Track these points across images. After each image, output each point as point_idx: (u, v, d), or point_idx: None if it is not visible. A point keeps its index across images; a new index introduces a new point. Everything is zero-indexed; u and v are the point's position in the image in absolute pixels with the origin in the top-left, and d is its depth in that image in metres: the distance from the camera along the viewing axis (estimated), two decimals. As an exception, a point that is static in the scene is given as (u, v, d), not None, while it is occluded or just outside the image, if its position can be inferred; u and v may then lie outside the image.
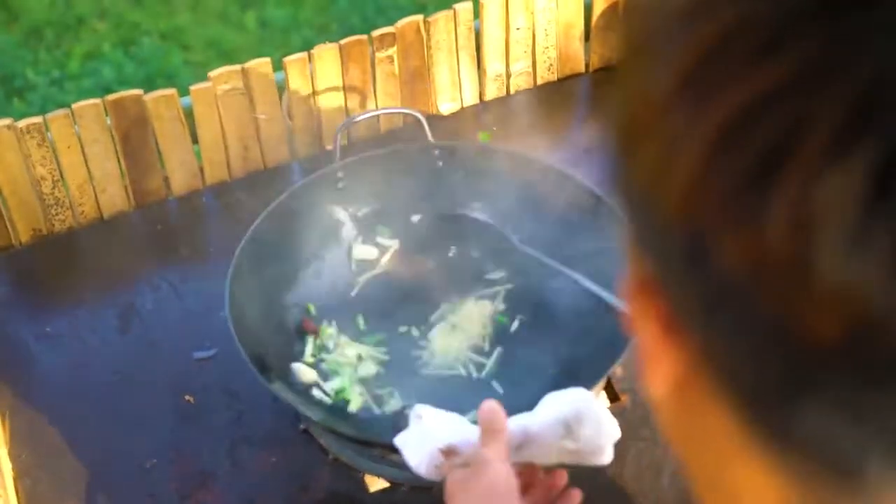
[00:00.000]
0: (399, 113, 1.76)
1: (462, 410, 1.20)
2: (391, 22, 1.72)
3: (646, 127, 0.43)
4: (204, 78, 1.66)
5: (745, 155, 0.39)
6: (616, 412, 1.42)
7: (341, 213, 1.58)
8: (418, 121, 1.57)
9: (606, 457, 1.15)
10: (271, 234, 1.49)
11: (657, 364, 0.48)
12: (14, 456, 1.42)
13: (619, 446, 1.27)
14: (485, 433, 1.07)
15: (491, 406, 1.07)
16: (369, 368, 1.47)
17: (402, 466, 1.13)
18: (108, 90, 1.64)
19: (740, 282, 0.40)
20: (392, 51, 1.71)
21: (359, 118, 1.61)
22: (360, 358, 1.48)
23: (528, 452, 1.12)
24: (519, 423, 1.10)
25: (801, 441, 0.43)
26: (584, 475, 1.16)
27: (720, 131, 0.40)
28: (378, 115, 1.76)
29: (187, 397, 1.49)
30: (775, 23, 0.40)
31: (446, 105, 1.81)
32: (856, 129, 0.37)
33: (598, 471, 1.36)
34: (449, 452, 1.09)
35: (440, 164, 1.59)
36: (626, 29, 0.47)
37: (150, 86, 1.64)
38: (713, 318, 0.43)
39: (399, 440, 1.13)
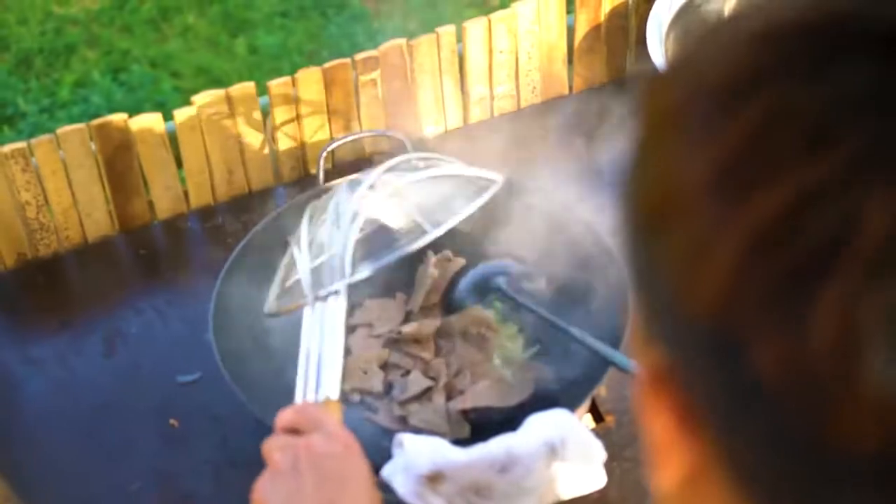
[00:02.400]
0: (383, 135, 1.76)
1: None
2: (377, 47, 1.73)
3: (676, 213, 0.41)
4: (190, 103, 1.66)
5: (787, 257, 0.37)
6: (601, 433, 1.42)
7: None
8: (402, 143, 1.58)
9: (600, 480, 1.15)
10: (255, 257, 1.49)
11: (667, 455, 0.45)
12: (-3, 481, 1.42)
13: (605, 464, 1.28)
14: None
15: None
16: None
17: (386, 489, 1.13)
18: (98, 117, 1.64)
19: (773, 386, 0.38)
20: (375, 74, 1.72)
21: (342, 141, 1.62)
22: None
23: (515, 475, 1.11)
24: (502, 444, 1.10)
25: None
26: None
27: (761, 229, 0.38)
28: (362, 138, 1.77)
29: (172, 421, 1.49)
30: (822, 111, 0.37)
31: (430, 128, 1.82)
32: None
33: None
34: (434, 478, 1.09)
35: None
36: (656, 97, 0.44)
37: (140, 113, 1.65)
38: (737, 418, 0.41)
39: (386, 472, 1.13)
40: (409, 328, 1.48)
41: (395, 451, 1.13)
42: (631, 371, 1.24)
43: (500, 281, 1.48)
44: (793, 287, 0.37)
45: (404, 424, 1.41)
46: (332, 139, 1.62)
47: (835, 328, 0.36)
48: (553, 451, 1.12)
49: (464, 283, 1.51)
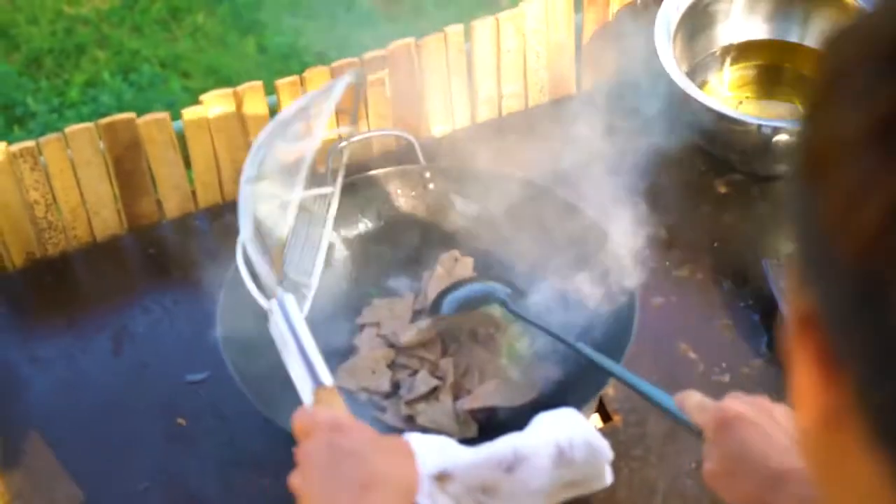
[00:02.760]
0: (391, 135, 1.76)
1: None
2: (385, 46, 1.73)
3: (838, 162, 0.43)
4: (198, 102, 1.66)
5: None
6: (608, 432, 1.42)
7: (333, 236, 1.59)
8: (410, 143, 1.58)
9: (606, 479, 1.15)
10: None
11: (806, 397, 0.47)
12: (6, 479, 1.42)
13: (612, 464, 1.27)
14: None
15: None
16: None
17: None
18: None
19: None
20: (383, 73, 1.72)
21: (350, 140, 1.62)
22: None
23: (522, 475, 1.11)
24: (510, 443, 1.10)
25: None
26: (576, 497, 1.16)
27: None
28: (370, 139, 1.77)
29: (179, 420, 1.49)
30: None
31: (438, 127, 1.82)
32: None
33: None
34: (442, 478, 1.08)
35: (431, 186, 1.60)
36: (824, 62, 0.46)
37: (149, 113, 1.65)
38: (876, 365, 0.42)
39: None
40: (407, 337, 1.48)
41: None
42: (630, 382, 1.25)
43: (501, 295, 1.47)
44: None
45: (412, 424, 1.41)
46: (340, 139, 1.62)
47: None
48: (560, 450, 1.12)
49: (449, 302, 1.50)
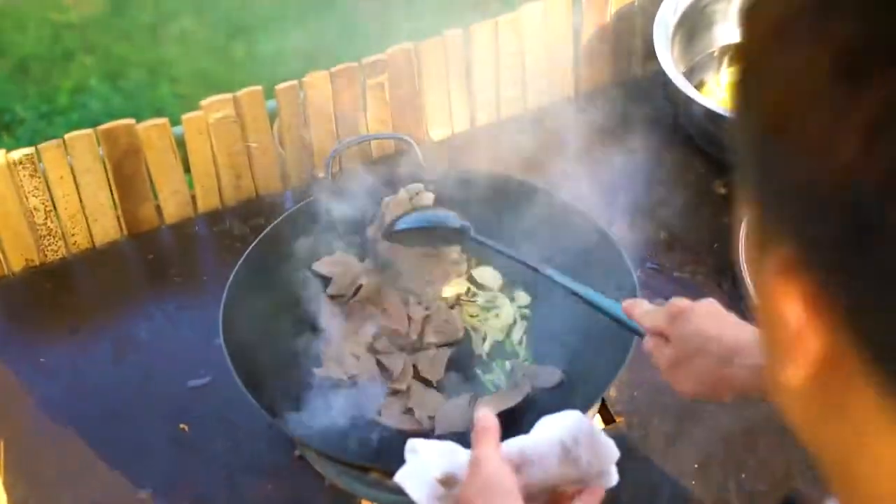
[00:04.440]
0: (390, 138, 1.76)
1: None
2: (380, 51, 1.73)
3: (801, 109, 0.44)
4: (191, 109, 1.66)
5: None
6: (612, 434, 1.42)
7: (333, 238, 1.59)
8: (410, 146, 1.58)
9: (612, 478, 1.15)
10: (265, 259, 1.49)
11: (795, 348, 0.47)
12: (9, 486, 1.42)
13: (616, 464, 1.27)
14: (476, 434, 1.07)
15: (481, 412, 1.08)
16: None
17: (399, 492, 1.13)
18: (97, 123, 1.64)
19: None
20: (383, 77, 1.72)
21: (349, 142, 1.61)
22: None
23: (527, 474, 1.11)
24: (515, 444, 1.10)
25: None
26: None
27: (885, 103, 0.41)
28: (370, 142, 1.77)
29: (182, 426, 1.48)
30: None
31: (437, 131, 1.82)
32: None
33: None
34: (447, 481, 1.09)
35: (429, 188, 1.59)
36: (758, 18, 0.47)
37: (138, 118, 1.64)
38: (870, 288, 0.43)
39: (399, 477, 1.12)
40: (363, 291, 1.52)
41: (408, 456, 1.13)
42: (581, 294, 1.28)
43: (458, 225, 1.49)
44: None
45: (412, 416, 1.42)
46: (337, 144, 1.62)
47: None
48: (566, 449, 1.12)
49: (405, 222, 1.50)
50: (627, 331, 1.20)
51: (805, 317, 0.46)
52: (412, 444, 1.13)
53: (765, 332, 0.50)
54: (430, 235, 1.52)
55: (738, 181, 0.50)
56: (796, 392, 0.50)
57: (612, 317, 1.23)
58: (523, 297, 1.58)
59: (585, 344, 1.46)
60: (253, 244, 1.49)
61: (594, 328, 1.46)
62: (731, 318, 1.09)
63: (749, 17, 0.48)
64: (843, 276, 0.44)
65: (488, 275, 1.59)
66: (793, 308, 0.47)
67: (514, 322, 1.56)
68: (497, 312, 1.56)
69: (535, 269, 1.40)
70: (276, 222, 1.52)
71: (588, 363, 1.45)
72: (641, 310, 1.17)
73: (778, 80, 0.45)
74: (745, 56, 0.48)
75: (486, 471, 1.04)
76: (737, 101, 0.49)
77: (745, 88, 0.48)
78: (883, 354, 0.44)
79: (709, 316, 1.09)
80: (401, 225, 1.49)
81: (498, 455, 1.06)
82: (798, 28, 0.44)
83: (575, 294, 1.32)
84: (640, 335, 1.16)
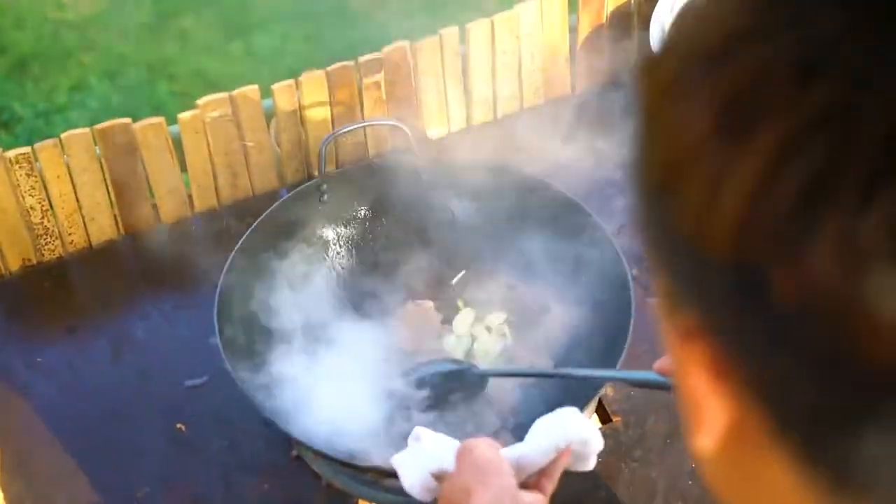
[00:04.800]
0: (385, 125, 1.73)
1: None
2: (377, 50, 1.73)
3: (686, 167, 0.43)
4: (190, 108, 1.66)
5: (788, 186, 0.39)
6: (608, 433, 1.42)
7: (327, 231, 1.59)
8: (406, 138, 1.56)
9: (589, 464, 1.16)
10: (257, 255, 1.49)
11: (705, 415, 0.47)
12: (5, 485, 1.42)
13: (611, 468, 1.28)
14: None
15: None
16: None
17: (396, 492, 1.13)
18: (95, 121, 1.63)
19: (794, 315, 0.40)
20: (379, 76, 1.72)
21: (345, 130, 1.60)
22: None
23: (519, 475, 1.12)
24: (512, 455, 1.11)
25: (861, 475, 0.42)
26: (579, 494, 1.16)
27: (766, 160, 0.40)
28: (366, 138, 1.76)
29: (179, 425, 1.48)
30: (805, 51, 0.40)
31: (434, 129, 1.82)
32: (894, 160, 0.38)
33: (593, 489, 1.36)
34: (441, 477, 1.09)
35: (424, 176, 1.59)
36: (651, 75, 0.47)
37: (136, 117, 1.64)
38: (768, 354, 0.42)
39: (395, 460, 1.13)
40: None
41: (410, 442, 1.13)
42: (626, 380, 1.26)
43: (470, 371, 1.46)
44: (797, 214, 0.39)
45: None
46: (333, 130, 1.60)
47: (835, 248, 0.38)
48: (558, 451, 1.13)
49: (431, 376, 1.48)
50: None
51: (709, 384, 0.46)
52: (417, 431, 1.13)
53: (679, 398, 0.49)
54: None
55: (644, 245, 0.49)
56: (711, 461, 0.49)
57: (653, 385, 1.18)
58: (498, 317, 1.56)
59: (574, 345, 1.47)
60: (244, 236, 1.50)
61: (581, 328, 1.46)
62: None
63: (643, 76, 0.47)
64: (739, 341, 0.44)
65: (461, 320, 1.57)
66: (698, 375, 0.46)
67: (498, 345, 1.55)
68: (483, 349, 1.54)
69: (559, 376, 1.39)
70: (266, 213, 1.53)
71: (586, 361, 1.45)
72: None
73: (666, 136, 0.45)
74: (638, 114, 0.48)
75: (478, 453, 1.05)
76: (632, 160, 0.48)
77: (638, 146, 0.47)
78: (789, 422, 0.43)
79: None
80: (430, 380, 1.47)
81: (489, 443, 1.07)
82: (685, 83, 0.44)
83: (608, 381, 1.30)
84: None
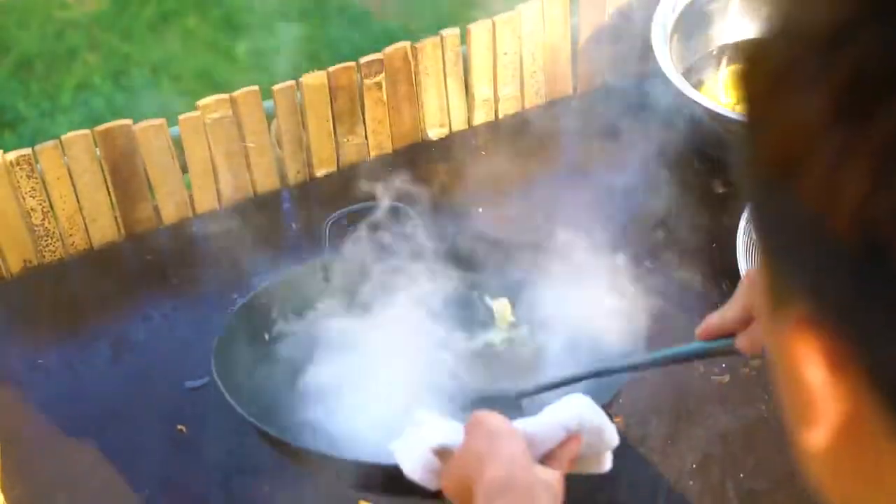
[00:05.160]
0: (386, 206, 1.50)
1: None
2: (378, 51, 1.72)
3: (806, 149, 0.43)
4: (193, 108, 1.66)
5: None
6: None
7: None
8: (407, 146, 1.55)
9: (605, 465, 1.15)
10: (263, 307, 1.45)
11: (818, 409, 0.45)
12: (7, 489, 1.42)
13: (614, 465, 1.27)
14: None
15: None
16: None
17: (396, 492, 1.12)
18: (99, 122, 1.63)
19: None
20: (380, 77, 1.72)
21: (342, 213, 1.48)
22: None
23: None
24: (519, 426, 1.10)
25: None
26: (580, 494, 1.16)
27: (886, 142, 0.40)
28: (366, 133, 1.76)
29: (180, 427, 1.48)
30: None
31: (435, 130, 1.82)
32: None
33: (594, 489, 1.36)
34: (443, 453, 1.07)
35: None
36: (759, 65, 0.47)
37: (140, 117, 1.64)
38: (892, 345, 0.41)
39: (394, 446, 1.12)
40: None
41: (409, 428, 1.12)
42: (657, 360, 1.21)
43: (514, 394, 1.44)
44: None
45: None
46: (338, 145, 1.60)
47: None
48: (568, 432, 1.11)
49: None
50: (725, 355, 1.10)
51: (825, 378, 0.45)
52: (418, 415, 1.12)
53: (784, 394, 0.48)
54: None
55: (753, 235, 0.49)
56: (822, 458, 0.47)
57: (702, 354, 1.12)
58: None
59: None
60: (248, 297, 1.44)
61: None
62: None
63: (749, 66, 0.47)
64: (861, 330, 0.43)
65: (499, 308, 1.54)
66: (811, 369, 0.45)
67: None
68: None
69: (597, 374, 1.30)
70: (265, 284, 1.46)
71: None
72: (713, 319, 1.07)
73: (779, 127, 0.45)
74: (746, 108, 0.47)
75: (490, 422, 1.04)
76: (742, 153, 0.48)
77: (748, 139, 0.47)
78: None
79: None
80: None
81: (500, 417, 1.06)
82: (797, 73, 0.44)
83: (653, 364, 1.23)
84: (733, 349, 1.06)
